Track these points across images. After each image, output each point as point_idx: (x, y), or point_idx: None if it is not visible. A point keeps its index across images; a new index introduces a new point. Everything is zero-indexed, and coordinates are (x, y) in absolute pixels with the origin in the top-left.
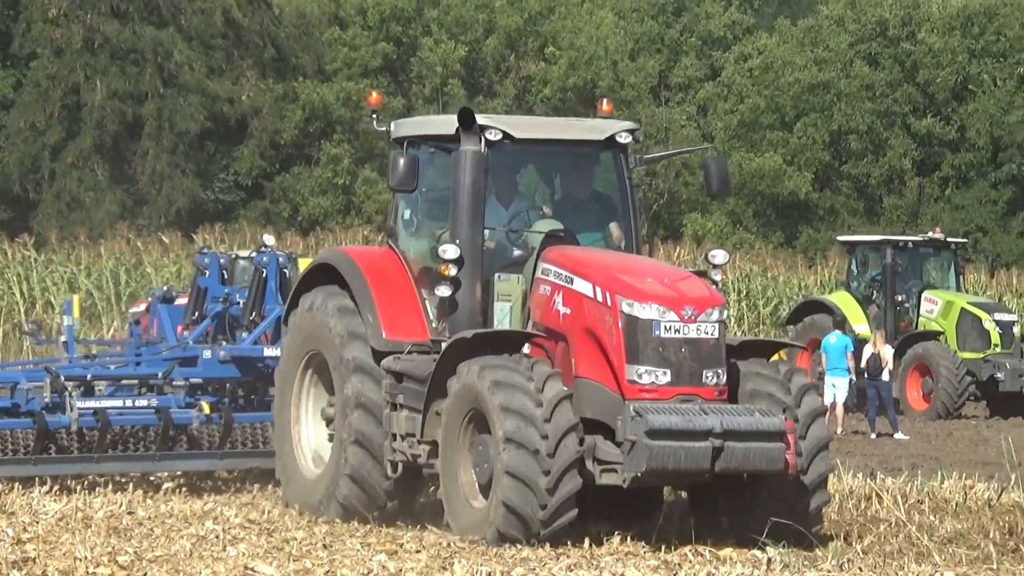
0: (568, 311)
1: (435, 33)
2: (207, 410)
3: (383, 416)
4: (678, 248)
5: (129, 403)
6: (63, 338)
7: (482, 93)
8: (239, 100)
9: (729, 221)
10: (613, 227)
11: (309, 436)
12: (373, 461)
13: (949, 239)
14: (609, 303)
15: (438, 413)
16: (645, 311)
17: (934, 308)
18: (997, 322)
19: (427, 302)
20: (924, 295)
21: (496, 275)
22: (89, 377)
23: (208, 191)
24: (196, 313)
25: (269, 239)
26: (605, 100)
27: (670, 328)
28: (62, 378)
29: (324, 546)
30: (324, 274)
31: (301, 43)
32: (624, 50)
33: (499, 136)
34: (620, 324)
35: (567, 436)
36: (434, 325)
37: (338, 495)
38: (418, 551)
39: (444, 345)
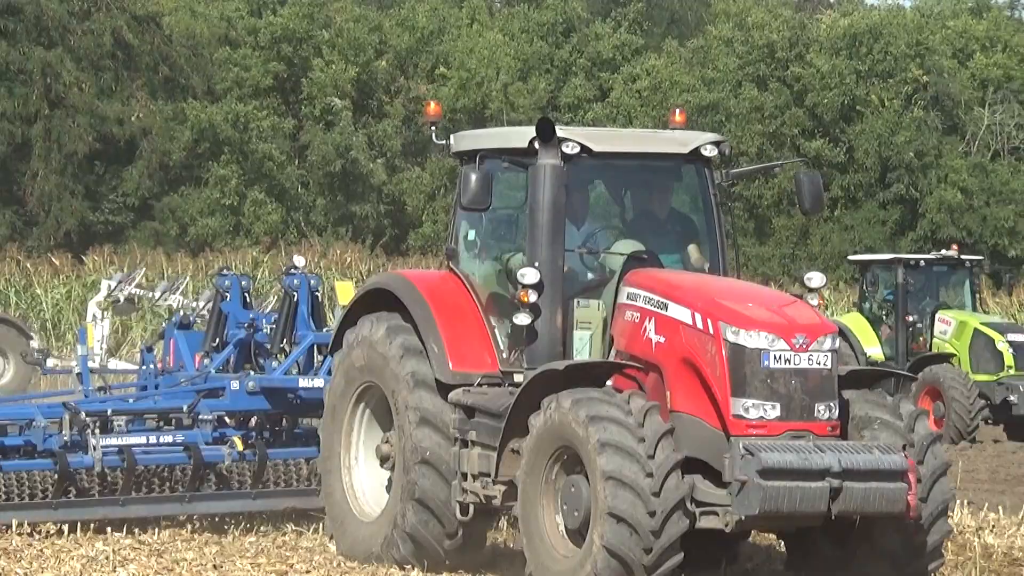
0: (662, 340)
1: (326, 54)
2: (240, 446)
3: (451, 453)
4: None
5: (154, 440)
6: (77, 369)
7: (370, 114)
8: (128, 121)
9: None
10: (692, 249)
11: (363, 479)
12: (443, 483)
13: (964, 256)
14: (711, 331)
15: (515, 451)
16: (752, 339)
17: (947, 329)
18: (1011, 343)
19: (496, 330)
20: (937, 315)
21: (575, 301)
22: (109, 412)
23: (97, 212)
24: (216, 340)
25: (299, 260)
26: (679, 110)
27: (780, 358)
28: (83, 414)
29: (214, 567)
30: (378, 300)
31: (192, 64)
32: (513, 71)
33: (576, 149)
34: (724, 354)
35: (673, 473)
36: (504, 355)
37: (406, 526)
38: (308, 571)
39: (527, 377)
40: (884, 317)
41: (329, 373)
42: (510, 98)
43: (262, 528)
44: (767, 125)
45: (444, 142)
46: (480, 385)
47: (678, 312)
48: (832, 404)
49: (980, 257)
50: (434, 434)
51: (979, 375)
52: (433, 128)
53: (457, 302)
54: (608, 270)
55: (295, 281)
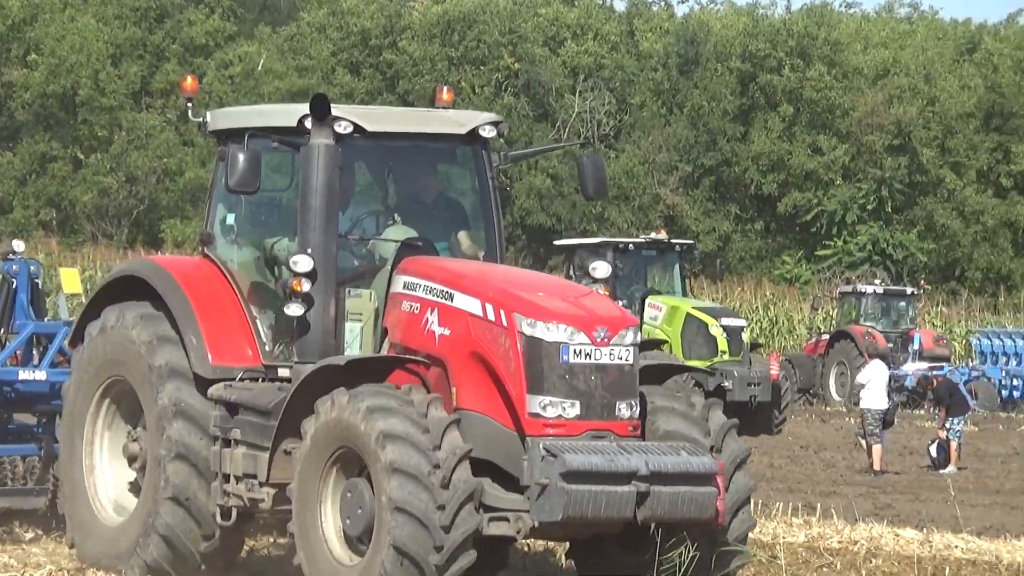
0: (447, 332)
1: None
2: None
3: (211, 453)
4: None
5: None
6: None
7: None
8: None
9: None
10: (463, 235)
11: (108, 479)
12: (199, 480)
13: (673, 240)
14: (505, 323)
15: (288, 452)
16: (551, 332)
17: (658, 314)
18: (725, 328)
19: (258, 321)
20: (648, 300)
21: (347, 290)
22: None
23: None
24: None
25: (19, 245)
26: (446, 88)
27: (580, 352)
28: None
29: None
30: (125, 289)
31: None
32: (105, 56)
33: (350, 129)
34: (519, 347)
35: (461, 464)
36: (268, 348)
37: (158, 526)
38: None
39: (300, 372)
40: None
41: (52, 365)
42: (101, 83)
43: None
44: None
45: (201, 119)
46: (242, 380)
47: (466, 303)
48: (634, 402)
49: (691, 241)
50: (190, 427)
51: (692, 361)
52: (189, 104)
53: (214, 290)
54: (379, 257)
55: (14, 267)
